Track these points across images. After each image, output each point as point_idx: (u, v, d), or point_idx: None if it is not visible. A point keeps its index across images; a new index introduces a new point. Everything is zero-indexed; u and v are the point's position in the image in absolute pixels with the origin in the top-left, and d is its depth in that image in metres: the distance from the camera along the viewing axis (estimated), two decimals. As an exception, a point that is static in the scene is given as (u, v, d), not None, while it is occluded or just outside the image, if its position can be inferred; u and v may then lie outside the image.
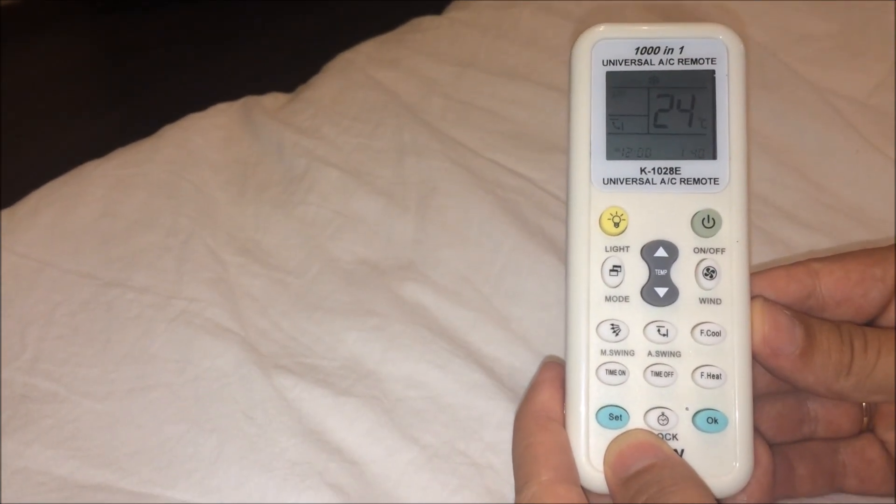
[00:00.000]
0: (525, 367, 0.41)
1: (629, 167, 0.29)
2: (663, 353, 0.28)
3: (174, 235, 0.49)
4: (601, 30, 0.30)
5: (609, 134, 0.29)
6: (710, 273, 0.28)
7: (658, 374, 0.28)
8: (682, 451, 0.28)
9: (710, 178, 0.29)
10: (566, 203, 0.30)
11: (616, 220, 0.29)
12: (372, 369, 0.41)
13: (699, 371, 0.28)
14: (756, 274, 0.30)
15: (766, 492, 0.30)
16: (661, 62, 0.29)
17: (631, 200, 0.29)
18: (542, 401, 0.29)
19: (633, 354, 0.28)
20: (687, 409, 0.28)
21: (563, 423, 0.29)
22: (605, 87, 0.29)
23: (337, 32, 0.94)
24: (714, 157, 0.29)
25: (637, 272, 0.29)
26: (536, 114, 0.57)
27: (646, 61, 0.30)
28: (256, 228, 0.50)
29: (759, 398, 0.31)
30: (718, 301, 0.28)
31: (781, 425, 0.33)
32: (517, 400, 0.39)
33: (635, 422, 0.28)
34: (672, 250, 0.29)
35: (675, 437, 0.28)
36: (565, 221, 0.30)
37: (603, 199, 0.29)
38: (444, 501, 0.36)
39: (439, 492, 0.36)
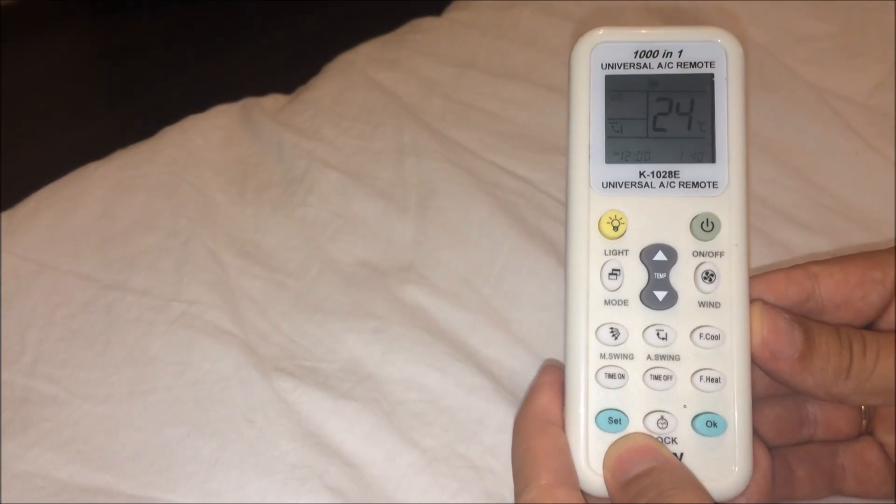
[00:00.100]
0: (525, 370, 0.42)
1: (628, 171, 0.29)
2: (662, 357, 0.28)
3: (174, 237, 0.49)
4: (600, 33, 0.30)
5: (608, 137, 0.29)
6: (709, 277, 0.28)
7: (657, 377, 0.28)
8: (682, 454, 0.28)
9: (709, 182, 0.29)
10: (565, 207, 0.30)
11: (615, 223, 0.29)
12: (372, 372, 0.41)
13: (698, 374, 0.28)
14: (755, 277, 0.30)
15: (766, 494, 0.30)
16: (660, 66, 0.29)
17: (630, 204, 0.29)
18: (541, 404, 0.29)
19: (633, 358, 0.28)
20: (686, 412, 0.28)
21: (563, 427, 0.29)
22: (604, 90, 0.29)
23: (337, 33, 0.94)
24: (713, 160, 0.29)
25: (636, 276, 0.29)
26: (536, 115, 0.57)
27: (645, 65, 0.29)
28: (256, 230, 0.50)
29: (759, 401, 0.31)
30: (717, 305, 0.28)
31: (780, 428, 0.33)
32: (517, 403, 0.39)
33: (634, 425, 0.28)
34: (671, 254, 0.29)
35: (674, 440, 0.28)
36: (564, 225, 0.30)
37: (602, 203, 0.29)
38: (444, 504, 0.36)
39: (439, 495, 0.37)
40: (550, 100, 0.58)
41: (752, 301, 0.29)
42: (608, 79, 0.30)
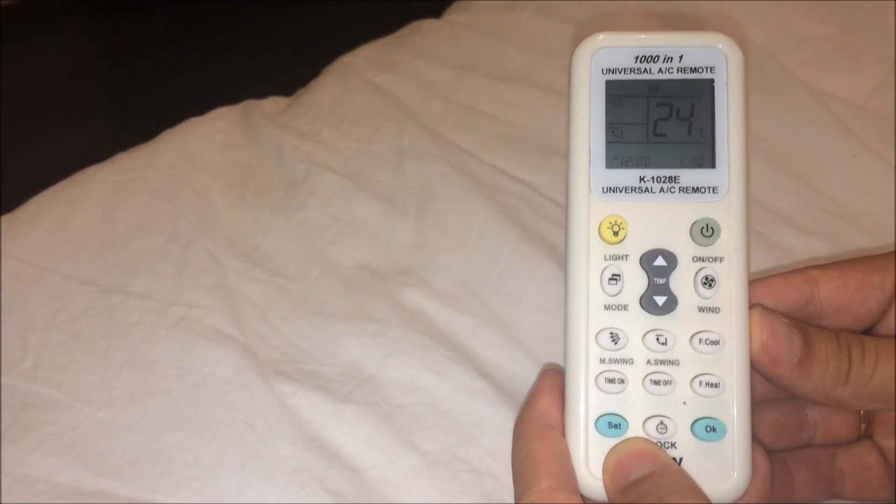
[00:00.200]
0: (525, 373, 0.42)
1: (628, 176, 0.29)
2: (662, 362, 0.28)
3: (174, 240, 0.49)
4: (601, 38, 0.30)
5: (608, 142, 0.29)
6: (708, 282, 0.28)
7: (657, 382, 0.28)
8: (681, 459, 0.28)
9: (709, 187, 0.29)
10: (566, 212, 0.30)
11: (615, 228, 0.29)
12: (372, 375, 0.42)
13: (698, 379, 0.28)
14: (755, 281, 0.30)
15: (765, 498, 0.30)
16: (660, 71, 0.30)
17: (630, 209, 0.29)
18: (541, 408, 0.29)
19: (632, 363, 0.28)
20: (685, 417, 0.28)
21: (563, 431, 0.29)
22: (605, 95, 0.30)
23: (336, 33, 0.94)
24: (713, 165, 0.29)
25: (636, 281, 0.29)
26: (536, 117, 0.57)
27: (645, 70, 0.30)
28: (256, 233, 0.50)
29: (758, 405, 0.31)
30: (717, 310, 0.28)
31: (780, 432, 0.33)
32: (517, 406, 0.39)
33: (634, 430, 0.28)
34: (671, 259, 0.29)
35: (673, 445, 0.28)
36: (565, 230, 0.30)
37: (602, 208, 0.29)
38: (444, 508, 0.36)
39: (439, 498, 0.37)
40: (550, 102, 0.58)
41: (751, 306, 0.29)
42: (609, 84, 0.30)
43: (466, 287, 0.46)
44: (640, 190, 0.29)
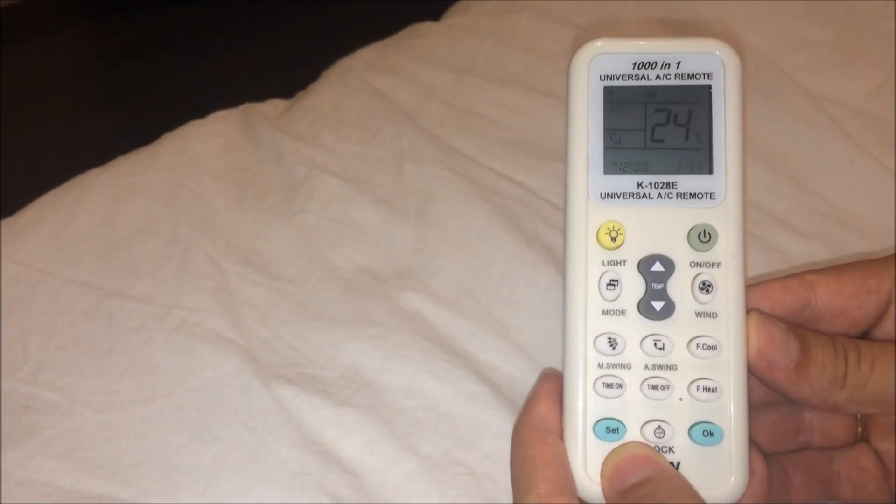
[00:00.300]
0: (523, 377, 0.42)
1: (626, 182, 0.29)
2: (660, 367, 0.29)
3: (174, 244, 0.49)
4: (599, 45, 0.30)
5: (606, 148, 0.30)
6: (706, 287, 0.29)
7: (655, 387, 0.28)
8: (679, 463, 0.28)
9: (707, 193, 0.29)
10: (564, 217, 0.30)
11: (613, 234, 0.29)
12: (371, 379, 0.42)
13: (695, 384, 0.28)
14: (752, 286, 0.30)
15: (762, 501, 0.30)
16: (658, 77, 0.30)
17: (628, 215, 0.29)
18: (539, 413, 0.30)
19: (630, 368, 0.29)
20: (683, 422, 0.28)
21: (561, 436, 0.29)
22: (603, 101, 0.30)
23: (336, 36, 0.94)
24: (710, 171, 0.29)
25: (634, 286, 0.29)
26: (535, 121, 0.57)
27: (643, 76, 0.30)
28: (256, 237, 0.50)
29: (755, 408, 0.31)
30: (714, 315, 0.29)
31: (777, 435, 0.33)
32: (516, 409, 0.40)
33: (632, 434, 0.28)
34: (668, 264, 0.29)
35: (671, 449, 0.28)
36: (563, 235, 0.30)
37: (600, 214, 0.29)
38: (443, 511, 0.36)
39: (438, 501, 0.37)
40: (549, 105, 0.58)
41: (748, 311, 0.29)
42: (607, 90, 0.30)
43: (465, 291, 0.46)
44: (638, 196, 0.29)
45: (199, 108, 0.61)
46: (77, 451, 0.39)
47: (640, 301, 0.29)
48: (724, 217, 0.29)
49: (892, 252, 0.32)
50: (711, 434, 0.28)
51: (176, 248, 0.49)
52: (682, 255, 0.29)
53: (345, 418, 0.40)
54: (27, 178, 0.57)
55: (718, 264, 0.29)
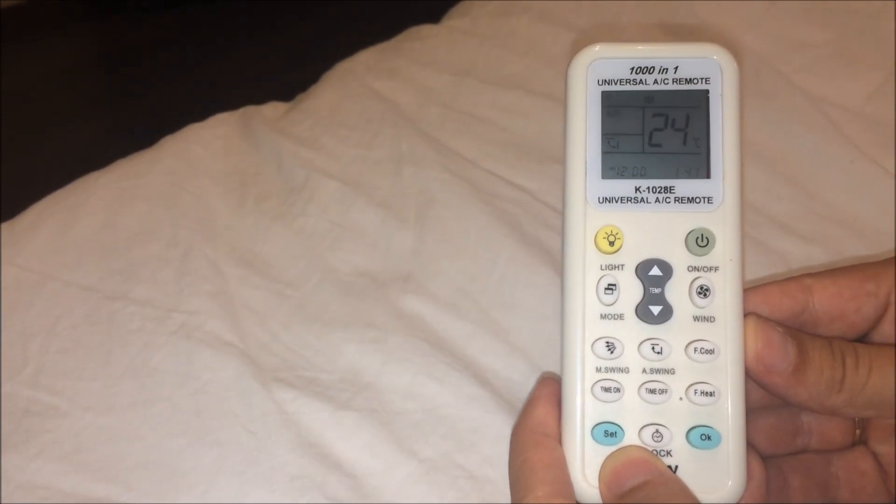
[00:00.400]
0: (522, 379, 0.42)
1: (624, 186, 0.29)
2: (657, 371, 0.29)
3: (174, 247, 0.49)
4: (597, 49, 0.30)
5: (604, 153, 0.30)
6: (703, 291, 0.29)
7: (652, 391, 0.28)
8: (676, 467, 0.28)
9: (704, 197, 0.29)
10: (562, 221, 0.30)
11: (611, 238, 0.29)
12: (370, 382, 0.42)
13: (693, 388, 0.28)
14: (750, 289, 0.30)
15: (760, 504, 0.30)
16: (655, 82, 0.30)
17: (626, 219, 0.29)
18: (538, 417, 0.30)
19: (628, 372, 0.29)
20: (681, 425, 0.28)
21: (559, 439, 0.29)
22: (601, 106, 0.30)
23: (335, 39, 0.95)
24: (708, 176, 0.29)
25: (632, 290, 0.29)
26: (534, 123, 0.57)
27: (641, 81, 0.30)
28: (256, 240, 0.50)
29: (753, 411, 0.31)
30: (712, 319, 0.29)
31: (775, 438, 0.33)
32: (515, 412, 0.40)
33: (630, 438, 0.28)
34: (666, 269, 0.29)
35: (669, 453, 0.28)
36: (561, 239, 0.30)
37: (598, 218, 0.29)
38: (443, 513, 0.37)
39: (437, 504, 0.37)
40: (548, 108, 0.58)
41: (746, 315, 0.29)
42: (605, 95, 0.30)
43: (465, 293, 0.46)
44: (636, 200, 0.29)
45: (199, 111, 0.61)
46: (77, 454, 0.39)
47: (637, 305, 0.29)
48: (722, 221, 0.29)
49: (891, 255, 0.32)
50: (709, 438, 0.28)
51: (176, 251, 0.49)
52: (679, 259, 0.29)
53: (344, 421, 0.40)
54: (27, 181, 0.57)
55: (716, 268, 0.29)
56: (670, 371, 0.29)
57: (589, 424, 0.29)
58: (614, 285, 0.29)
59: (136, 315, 0.45)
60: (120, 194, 0.53)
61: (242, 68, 1.50)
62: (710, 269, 0.29)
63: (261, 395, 0.41)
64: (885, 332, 0.31)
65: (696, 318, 0.29)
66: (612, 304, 0.29)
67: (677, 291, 0.29)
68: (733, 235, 0.29)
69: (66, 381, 0.42)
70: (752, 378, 0.29)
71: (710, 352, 0.28)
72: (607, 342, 0.29)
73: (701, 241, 0.29)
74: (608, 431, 0.28)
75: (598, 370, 0.29)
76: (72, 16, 1.72)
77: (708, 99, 0.30)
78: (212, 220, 0.51)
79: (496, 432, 0.39)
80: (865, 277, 0.30)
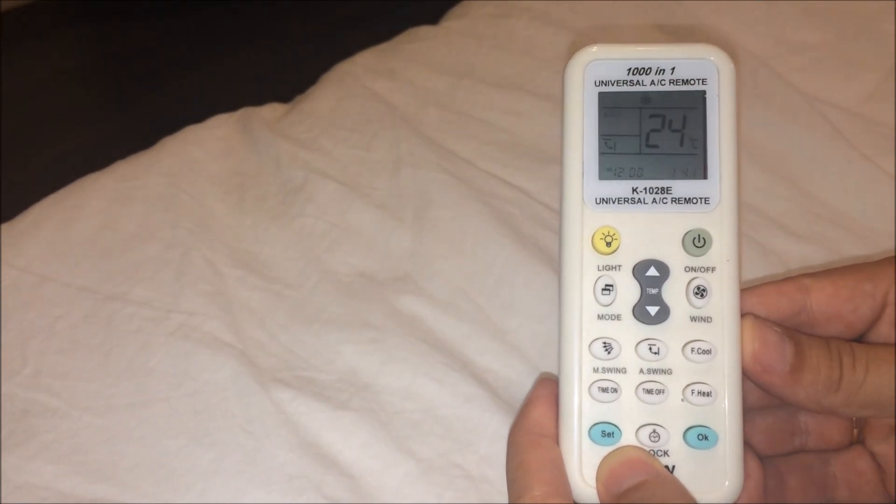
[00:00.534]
0: (520, 379, 0.42)
1: (621, 187, 0.29)
2: (655, 371, 0.29)
3: (173, 248, 0.49)
4: (594, 51, 0.30)
5: (601, 154, 0.30)
6: (700, 292, 0.29)
7: (650, 391, 0.29)
8: (673, 467, 0.28)
9: (701, 198, 0.29)
10: (559, 222, 0.30)
11: (608, 239, 0.29)
12: (369, 382, 0.42)
13: (690, 388, 0.28)
14: (747, 290, 0.30)
15: (757, 504, 0.30)
16: (652, 83, 0.30)
17: (623, 220, 0.29)
18: (535, 417, 0.30)
19: (625, 372, 0.29)
20: (678, 425, 0.28)
21: (557, 440, 0.29)
22: (598, 107, 0.30)
23: (334, 40, 0.95)
24: (705, 176, 0.29)
25: (629, 291, 0.29)
26: (532, 124, 0.58)
27: (638, 82, 0.30)
28: (255, 240, 0.50)
29: (751, 411, 0.32)
30: (709, 319, 0.29)
31: (773, 438, 0.33)
32: (512, 412, 0.40)
33: (627, 438, 0.29)
34: (663, 269, 0.29)
35: (666, 453, 0.28)
36: (558, 240, 0.30)
37: (595, 219, 0.29)
38: (441, 514, 0.37)
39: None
40: (546, 109, 0.58)
41: (743, 315, 0.29)
42: (601, 96, 0.30)
43: (462, 294, 0.46)
44: (633, 201, 0.29)
45: (199, 114, 0.61)
46: (75, 455, 0.39)
47: (635, 306, 0.29)
48: (719, 222, 0.29)
49: (888, 255, 0.32)
50: (706, 438, 0.28)
51: (174, 252, 0.49)
52: (676, 259, 0.29)
53: (342, 421, 0.40)
54: (26, 182, 0.57)
55: (713, 269, 0.29)
56: (667, 371, 0.29)
57: (586, 424, 0.29)
58: (611, 286, 0.29)
59: (135, 316, 0.45)
60: (119, 195, 0.53)
61: (241, 70, 1.50)
62: (707, 269, 0.29)
63: (259, 396, 0.41)
64: (882, 332, 0.31)
65: (693, 319, 0.29)
66: (609, 305, 0.29)
67: (674, 292, 0.29)
68: (730, 236, 0.29)
69: (64, 382, 0.42)
70: (750, 378, 0.29)
71: (707, 352, 0.28)
72: (604, 342, 0.29)
73: (698, 242, 0.29)
74: (605, 431, 0.29)
75: (596, 370, 0.29)
76: (71, 19, 1.72)
77: (705, 100, 0.30)
78: (210, 220, 0.51)
79: (494, 432, 0.39)
80: (862, 278, 0.30)
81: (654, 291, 0.29)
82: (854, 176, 0.51)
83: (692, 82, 0.30)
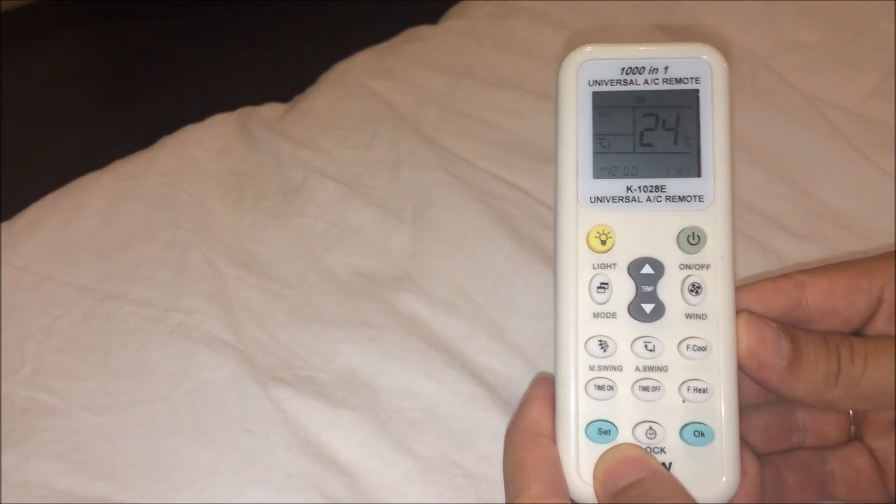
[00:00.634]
0: (519, 378, 0.42)
1: (616, 185, 0.30)
2: (650, 368, 0.29)
3: (172, 247, 0.49)
4: (588, 50, 0.30)
5: (596, 153, 0.30)
6: (695, 289, 0.29)
7: (646, 388, 0.29)
8: (670, 464, 0.28)
9: (695, 196, 0.29)
10: (554, 221, 0.30)
11: (603, 237, 0.29)
12: (367, 381, 0.42)
13: (686, 385, 0.29)
14: (743, 287, 0.30)
15: (755, 502, 0.30)
16: (646, 82, 0.30)
17: (618, 218, 0.29)
18: (532, 416, 0.30)
19: (621, 370, 0.29)
20: (674, 422, 0.28)
21: (553, 439, 0.29)
22: (592, 106, 0.30)
23: (333, 40, 0.95)
24: (699, 174, 0.29)
25: (624, 289, 0.29)
26: (531, 124, 0.58)
27: (631, 81, 0.30)
28: (254, 240, 0.50)
29: (748, 409, 0.32)
30: (704, 316, 0.29)
31: (770, 435, 0.33)
32: (511, 411, 0.40)
33: (624, 436, 0.29)
34: (658, 267, 0.29)
35: (662, 450, 0.28)
36: (553, 239, 0.30)
37: (590, 218, 0.29)
38: (439, 512, 0.37)
39: (434, 503, 0.37)
40: (545, 109, 0.58)
41: (738, 312, 0.29)
42: (595, 95, 0.30)
43: (462, 293, 0.46)
44: (628, 199, 0.29)
45: (198, 114, 0.61)
46: (74, 453, 0.39)
47: (630, 304, 0.29)
48: (713, 219, 0.29)
49: (883, 251, 0.32)
50: (703, 434, 0.28)
51: (173, 252, 0.49)
52: (671, 257, 0.29)
53: (341, 420, 0.40)
54: (26, 182, 0.57)
55: (708, 266, 0.29)
56: (663, 368, 0.29)
57: (583, 422, 0.29)
58: (607, 284, 0.29)
59: (134, 315, 0.45)
60: (118, 195, 0.53)
61: (241, 70, 1.50)
62: (702, 266, 0.29)
63: (258, 394, 0.41)
64: (878, 327, 0.31)
65: (688, 316, 0.29)
66: (604, 303, 0.29)
67: (669, 289, 0.29)
68: (724, 233, 0.29)
69: (63, 381, 0.42)
70: (748, 374, 0.29)
71: (703, 349, 0.29)
72: (600, 340, 0.29)
73: (692, 240, 0.29)
74: (602, 429, 0.29)
75: (592, 368, 0.29)
76: (70, 19, 1.72)
77: (698, 98, 0.30)
78: (209, 220, 0.51)
79: (493, 431, 0.39)
80: (858, 273, 0.31)
81: (649, 289, 0.29)
82: (854, 175, 0.51)
83: (685, 81, 0.30)
